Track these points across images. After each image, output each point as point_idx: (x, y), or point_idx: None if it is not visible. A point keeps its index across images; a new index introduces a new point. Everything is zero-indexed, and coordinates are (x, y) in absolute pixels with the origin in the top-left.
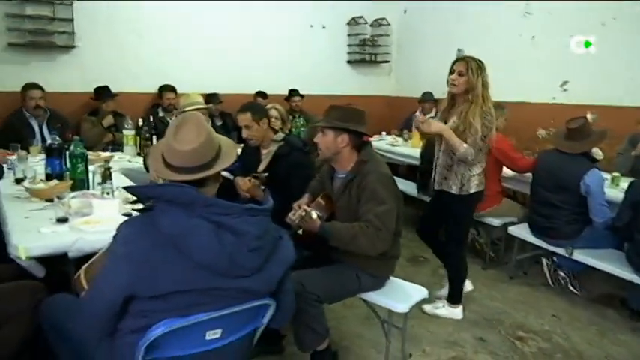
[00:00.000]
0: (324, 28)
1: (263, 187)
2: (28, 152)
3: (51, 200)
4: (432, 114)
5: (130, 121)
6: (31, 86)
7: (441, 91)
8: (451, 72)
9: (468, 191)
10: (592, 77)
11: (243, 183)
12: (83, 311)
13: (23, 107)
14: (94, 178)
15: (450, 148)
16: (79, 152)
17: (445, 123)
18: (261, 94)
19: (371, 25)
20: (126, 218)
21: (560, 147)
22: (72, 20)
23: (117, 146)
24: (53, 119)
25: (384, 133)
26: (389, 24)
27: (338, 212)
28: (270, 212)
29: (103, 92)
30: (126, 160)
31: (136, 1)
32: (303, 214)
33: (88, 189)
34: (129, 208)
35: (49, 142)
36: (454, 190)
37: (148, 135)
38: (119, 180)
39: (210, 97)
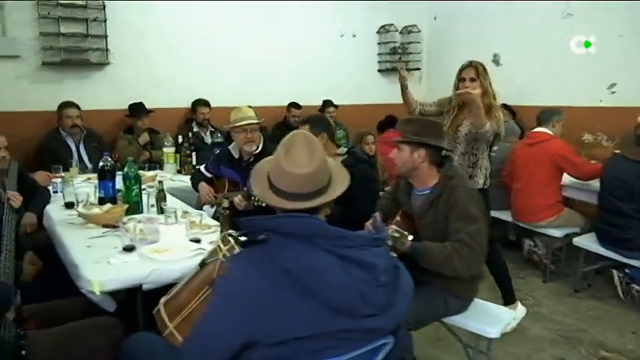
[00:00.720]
0: (354, 36)
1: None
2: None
3: (108, 226)
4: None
5: (170, 138)
6: (67, 105)
7: None
8: (461, 80)
9: (487, 184)
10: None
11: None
12: None
13: (59, 127)
14: (148, 199)
15: (475, 126)
16: (133, 173)
17: (455, 130)
18: (294, 105)
19: (400, 33)
20: (196, 245)
21: (631, 154)
22: (105, 37)
23: (153, 164)
24: (89, 138)
25: None
26: (419, 31)
27: (421, 231)
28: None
29: (137, 109)
30: (168, 179)
31: (166, 15)
32: (397, 235)
33: (142, 212)
34: (195, 232)
35: (86, 162)
36: (480, 183)
37: (188, 152)
38: (171, 201)
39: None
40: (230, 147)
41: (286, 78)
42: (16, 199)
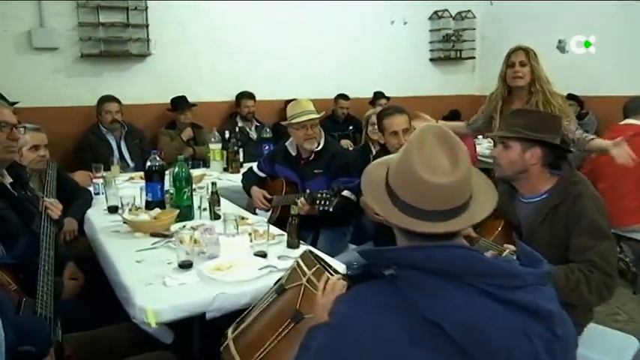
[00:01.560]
0: (405, 23)
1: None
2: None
3: (158, 234)
4: None
5: (216, 134)
6: (107, 99)
7: None
8: (510, 65)
9: None
10: None
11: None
12: None
13: (99, 122)
14: (200, 202)
15: None
16: (184, 174)
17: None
18: (342, 96)
19: (454, 19)
20: (263, 262)
21: None
22: (146, 26)
23: (197, 161)
24: (130, 134)
25: (480, 137)
26: (474, 16)
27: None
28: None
29: (180, 103)
30: (215, 178)
31: (209, 1)
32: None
33: (193, 217)
34: (259, 243)
35: (127, 160)
36: None
37: (235, 148)
38: (224, 204)
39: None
40: (287, 143)
41: (334, 68)
42: (55, 207)
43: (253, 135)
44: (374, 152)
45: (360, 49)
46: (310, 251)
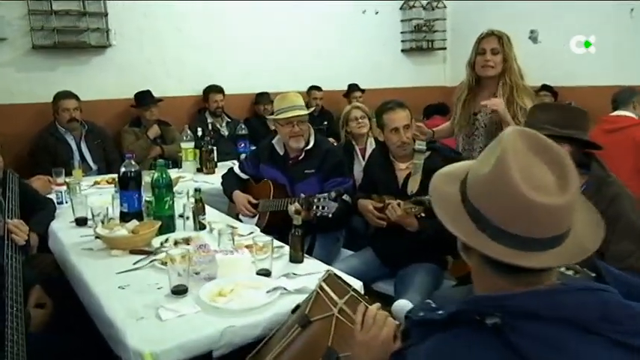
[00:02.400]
0: (377, 13)
1: (423, 215)
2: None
3: (138, 251)
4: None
5: (188, 131)
6: (64, 95)
7: None
8: (480, 52)
9: None
10: None
11: (394, 209)
12: None
13: (56, 121)
14: (183, 211)
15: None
16: (165, 180)
17: (470, 119)
18: (315, 88)
19: (425, 9)
20: (271, 283)
21: None
22: (105, 15)
23: (165, 161)
24: (91, 133)
25: None
26: (445, 7)
27: None
28: None
29: (144, 98)
30: (188, 180)
31: None
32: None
33: (174, 229)
34: (260, 259)
35: (89, 162)
36: None
37: (209, 147)
38: (209, 212)
39: (259, 98)
40: (273, 141)
41: (306, 60)
42: (20, 231)
43: (225, 131)
44: (357, 150)
45: (333, 39)
46: (334, 273)
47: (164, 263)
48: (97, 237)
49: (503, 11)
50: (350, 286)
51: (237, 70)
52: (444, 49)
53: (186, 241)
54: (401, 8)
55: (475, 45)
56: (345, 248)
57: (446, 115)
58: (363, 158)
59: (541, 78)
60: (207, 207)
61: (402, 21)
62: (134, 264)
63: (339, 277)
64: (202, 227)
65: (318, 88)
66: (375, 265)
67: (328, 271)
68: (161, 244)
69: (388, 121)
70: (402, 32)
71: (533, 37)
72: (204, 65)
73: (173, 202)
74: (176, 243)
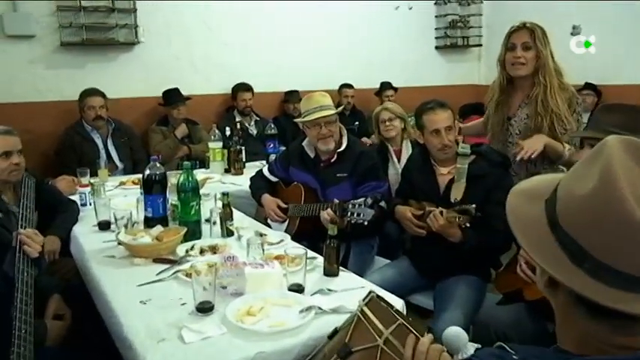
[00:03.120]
0: (410, 9)
1: (468, 225)
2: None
3: (162, 260)
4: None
5: (216, 131)
6: (90, 93)
7: None
8: (510, 48)
9: None
10: None
11: (436, 218)
12: None
13: (82, 119)
14: (210, 216)
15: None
16: (191, 184)
17: (504, 124)
18: (347, 85)
19: (460, 4)
20: (305, 301)
21: None
22: (134, 11)
23: (193, 161)
24: (118, 132)
25: None
26: (481, 1)
27: None
28: None
29: (172, 96)
30: (216, 181)
31: None
32: None
33: (200, 236)
34: (292, 271)
35: (116, 161)
36: None
37: (238, 147)
38: (236, 217)
39: (289, 96)
40: (304, 143)
41: (336, 58)
42: (34, 242)
43: (253, 131)
44: (392, 152)
45: (364, 37)
46: (378, 296)
47: (189, 275)
48: (119, 243)
49: (542, 6)
50: (399, 312)
51: (266, 68)
52: (480, 45)
53: (213, 249)
54: (435, 3)
55: (505, 39)
56: (378, 256)
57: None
58: (399, 161)
59: (585, 77)
60: (234, 211)
61: (436, 17)
62: (157, 274)
63: (383, 300)
64: (230, 234)
65: (349, 86)
66: (411, 276)
67: (371, 293)
68: (186, 251)
69: (428, 122)
70: (436, 28)
71: (576, 32)
72: (232, 63)
73: (199, 207)
74: (202, 251)
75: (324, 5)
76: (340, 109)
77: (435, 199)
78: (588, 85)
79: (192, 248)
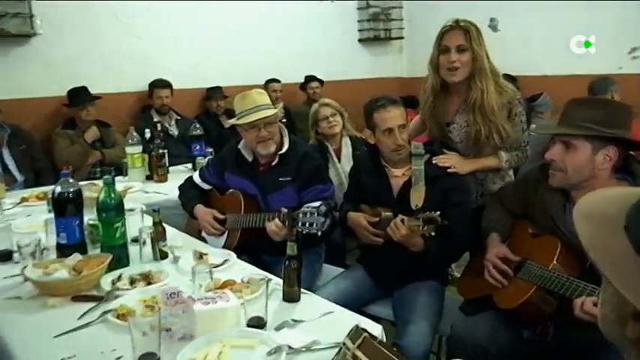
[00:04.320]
0: (333, 0)
1: (433, 234)
2: None
3: (84, 298)
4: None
5: (134, 133)
6: None
7: None
8: (443, 50)
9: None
10: None
11: (398, 228)
12: None
13: None
14: (140, 236)
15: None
16: (114, 200)
17: (442, 128)
18: (274, 80)
19: None
20: (270, 341)
21: None
22: None
23: (107, 167)
24: (15, 138)
25: None
26: None
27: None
28: None
29: (79, 96)
30: (137, 190)
31: None
32: None
33: (128, 263)
34: (248, 300)
35: (14, 172)
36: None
37: (160, 151)
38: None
39: (211, 92)
40: (240, 145)
41: (260, 52)
42: None
43: (174, 131)
44: (331, 151)
45: (288, 30)
46: (368, 333)
47: (121, 316)
48: (26, 279)
49: None
50: (392, 351)
51: (185, 62)
52: (401, 38)
53: (146, 277)
54: None
55: (437, 40)
56: (325, 263)
57: (416, 107)
58: (339, 160)
59: (502, 67)
60: (164, 225)
61: (358, 9)
62: (79, 318)
63: (374, 337)
64: (164, 256)
65: (276, 81)
66: (367, 285)
67: (359, 330)
68: (113, 284)
69: (380, 121)
70: (358, 21)
71: (493, 25)
72: (147, 57)
73: (125, 228)
74: (133, 281)
75: None
76: (279, 107)
77: (389, 204)
78: (507, 77)
79: (119, 278)
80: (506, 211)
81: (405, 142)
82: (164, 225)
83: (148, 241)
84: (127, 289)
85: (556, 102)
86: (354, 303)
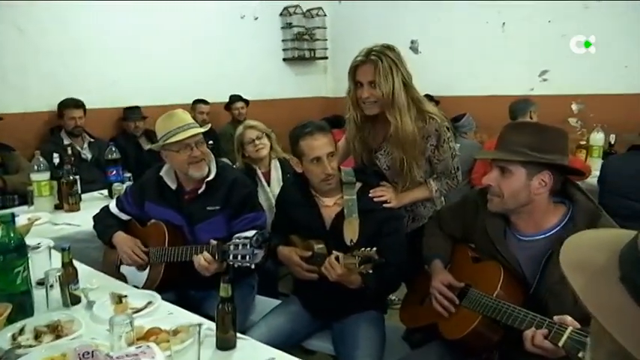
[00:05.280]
0: (256, 19)
1: (371, 271)
2: None
3: None
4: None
5: (40, 158)
6: None
7: None
8: (357, 84)
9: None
10: (575, 66)
11: (333, 267)
12: None
13: None
14: (47, 280)
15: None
16: (14, 241)
17: (369, 154)
18: (201, 101)
19: (304, 16)
20: None
21: None
22: None
23: (9, 196)
24: None
25: None
26: (325, 14)
27: (552, 307)
28: None
29: None
30: (46, 222)
31: None
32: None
33: (32, 313)
34: (178, 352)
35: None
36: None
37: (71, 177)
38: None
39: (129, 113)
40: (161, 172)
41: (181, 70)
42: None
43: (87, 155)
44: (260, 175)
45: (211, 48)
46: None
47: None
48: None
49: (383, 21)
50: None
51: (99, 81)
52: (326, 58)
53: (54, 329)
54: (281, 15)
55: (350, 74)
56: (258, 295)
57: (342, 127)
58: (268, 184)
59: (423, 89)
60: (76, 263)
61: (282, 28)
62: None
63: None
64: (76, 301)
65: (204, 102)
66: (304, 320)
67: None
68: (14, 339)
69: (307, 149)
70: (283, 40)
71: (414, 47)
72: (56, 75)
73: (28, 271)
74: (38, 335)
75: (168, 10)
76: (208, 127)
77: (320, 236)
78: (428, 97)
79: (21, 332)
80: (446, 236)
81: (334, 171)
82: (75, 265)
83: (57, 284)
84: (31, 346)
85: (477, 122)
86: (292, 339)
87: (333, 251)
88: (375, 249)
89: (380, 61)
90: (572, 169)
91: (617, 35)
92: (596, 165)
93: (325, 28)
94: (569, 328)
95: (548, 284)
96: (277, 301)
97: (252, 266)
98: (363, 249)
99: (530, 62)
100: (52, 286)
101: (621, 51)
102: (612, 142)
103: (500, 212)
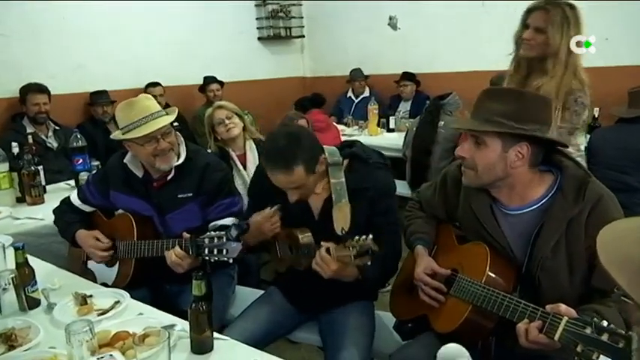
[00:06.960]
0: None
1: (369, 263)
2: None
3: None
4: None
5: None
6: None
7: (371, 67)
8: (525, 26)
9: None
10: None
11: (326, 263)
12: None
13: None
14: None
15: None
16: None
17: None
18: (152, 85)
19: None
20: None
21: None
22: None
23: None
24: None
25: (344, 125)
26: None
27: (541, 282)
28: None
29: None
30: (6, 217)
31: None
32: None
33: None
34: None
35: None
36: None
37: (33, 168)
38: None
39: (96, 97)
40: (126, 160)
41: (151, 52)
42: None
43: (52, 143)
44: (235, 158)
45: (183, 27)
46: None
47: None
48: None
49: None
50: None
51: (63, 64)
52: (302, 37)
53: (7, 338)
54: None
55: (523, 15)
56: (238, 285)
57: (322, 106)
58: (244, 167)
59: (402, 65)
60: (37, 262)
61: (256, 6)
62: None
63: None
64: (34, 304)
65: (157, 84)
66: (288, 312)
67: None
68: None
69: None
70: (257, 19)
71: (393, 23)
72: (16, 59)
73: None
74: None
75: None
76: (175, 114)
77: (308, 225)
78: (407, 74)
79: None
80: (429, 218)
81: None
82: (35, 263)
83: (11, 287)
84: None
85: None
86: (276, 333)
87: (322, 242)
88: (370, 237)
89: (555, 9)
90: (553, 141)
91: (597, 7)
92: (580, 139)
93: (301, 5)
94: (565, 319)
95: (538, 260)
96: (260, 292)
97: (230, 261)
98: (357, 238)
99: (512, 37)
100: (5, 289)
101: (602, 23)
102: (596, 116)
103: (476, 186)
